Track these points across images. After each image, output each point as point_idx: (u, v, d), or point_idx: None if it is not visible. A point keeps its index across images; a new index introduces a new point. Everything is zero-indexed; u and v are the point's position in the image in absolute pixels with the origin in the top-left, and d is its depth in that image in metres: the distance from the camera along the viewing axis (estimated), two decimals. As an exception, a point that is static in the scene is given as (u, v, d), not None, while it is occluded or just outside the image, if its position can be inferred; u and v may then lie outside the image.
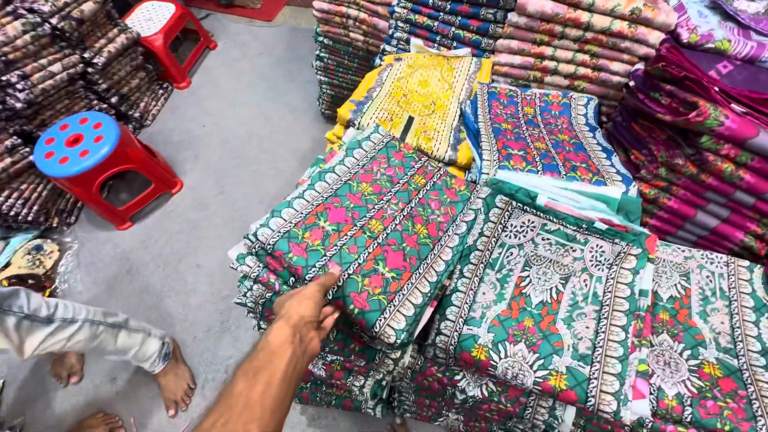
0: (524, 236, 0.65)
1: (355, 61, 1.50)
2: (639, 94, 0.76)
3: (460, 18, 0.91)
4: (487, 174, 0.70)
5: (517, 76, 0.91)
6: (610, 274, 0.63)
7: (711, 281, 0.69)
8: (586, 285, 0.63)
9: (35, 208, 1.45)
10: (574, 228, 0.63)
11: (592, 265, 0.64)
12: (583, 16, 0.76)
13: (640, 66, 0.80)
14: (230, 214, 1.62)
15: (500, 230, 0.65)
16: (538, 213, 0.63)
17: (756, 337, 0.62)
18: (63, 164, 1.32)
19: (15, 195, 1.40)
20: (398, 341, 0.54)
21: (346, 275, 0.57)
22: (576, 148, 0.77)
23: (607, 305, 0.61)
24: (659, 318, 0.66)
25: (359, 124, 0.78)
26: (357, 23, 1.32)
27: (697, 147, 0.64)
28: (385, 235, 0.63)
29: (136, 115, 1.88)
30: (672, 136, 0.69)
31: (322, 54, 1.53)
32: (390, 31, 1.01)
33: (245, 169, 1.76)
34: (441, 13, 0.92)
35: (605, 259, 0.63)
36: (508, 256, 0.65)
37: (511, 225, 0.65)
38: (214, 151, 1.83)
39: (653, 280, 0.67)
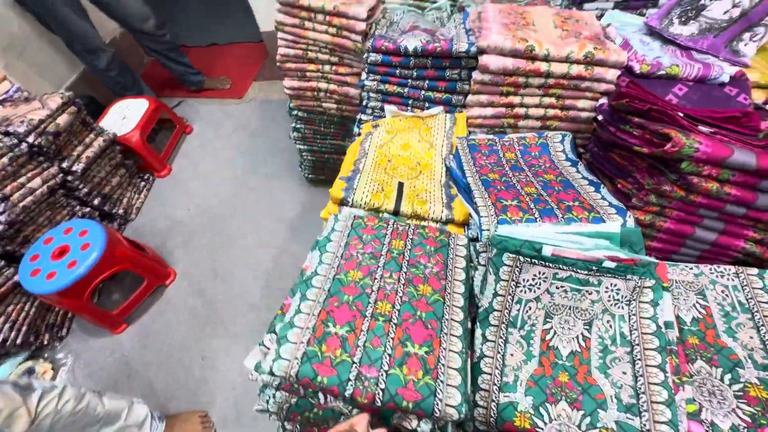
0: (538, 288, 0.65)
1: (331, 127, 1.55)
2: (610, 127, 0.80)
3: (427, 81, 0.96)
4: (488, 230, 0.70)
5: (492, 125, 0.95)
6: (631, 311, 0.63)
7: (727, 296, 0.69)
8: (610, 326, 0.63)
9: (24, 329, 1.38)
10: (585, 272, 0.63)
11: (611, 305, 0.63)
12: (542, 67, 0.82)
13: (604, 100, 0.85)
14: (228, 298, 1.58)
15: (514, 286, 0.65)
16: (547, 263, 0.64)
17: (789, 348, 0.62)
18: (51, 279, 1.28)
19: (1, 320, 1.34)
20: (462, 415, 0.52)
21: (383, 373, 0.55)
22: (564, 185, 0.80)
23: (638, 344, 0.60)
24: (689, 343, 0.66)
25: (353, 201, 0.79)
26: (328, 94, 1.38)
27: (680, 172, 0.66)
28: (396, 312, 0.62)
29: (120, 212, 1.87)
30: (652, 163, 0.72)
31: (298, 126, 1.58)
32: (364, 102, 1.05)
33: (236, 247, 1.74)
34: (409, 80, 0.97)
35: (623, 297, 0.63)
36: (527, 311, 0.64)
37: (524, 279, 0.65)
38: (203, 233, 1.82)
39: (672, 304, 0.67)
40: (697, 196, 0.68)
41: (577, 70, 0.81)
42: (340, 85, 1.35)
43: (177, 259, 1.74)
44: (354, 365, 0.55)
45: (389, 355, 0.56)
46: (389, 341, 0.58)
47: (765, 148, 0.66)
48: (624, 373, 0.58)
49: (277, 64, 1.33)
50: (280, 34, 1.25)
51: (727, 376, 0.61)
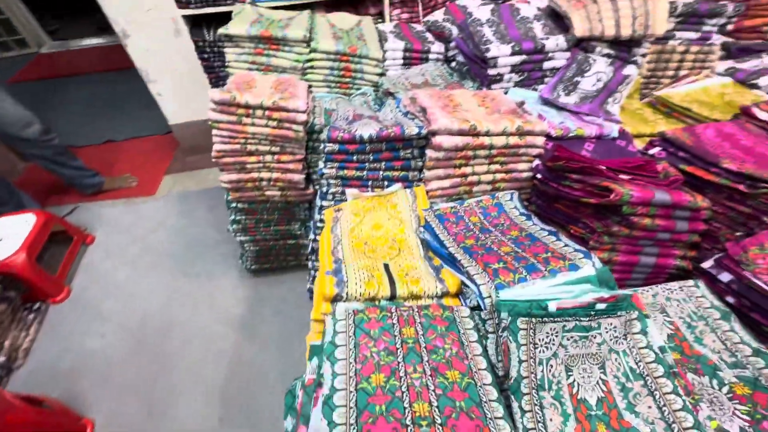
0: (553, 344, 0.68)
1: (275, 213, 1.50)
2: (551, 184, 0.93)
3: (384, 163, 1.02)
4: (489, 296, 0.73)
5: (451, 194, 1.03)
6: (629, 344, 0.69)
7: (683, 309, 0.81)
8: (619, 364, 0.68)
9: None
10: (586, 318, 0.69)
11: (613, 343, 0.69)
12: (486, 141, 0.94)
13: (538, 162, 1.00)
14: (178, 437, 1.29)
15: (533, 349, 0.67)
16: (555, 319, 0.68)
17: (742, 342, 0.74)
18: None
19: None
20: None
21: None
22: (531, 239, 0.88)
23: (647, 375, 0.66)
24: (675, 360, 0.74)
25: (347, 295, 0.75)
26: (271, 183, 1.35)
27: (621, 214, 0.80)
28: (437, 410, 0.58)
29: (1, 359, 1.45)
30: (597, 209, 0.85)
31: (238, 217, 1.48)
32: (323, 189, 1.05)
33: (176, 370, 1.47)
34: (366, 164, 1.01)
35: (620, 333, 0.70)
36: (549, 370, 0.66)
37: (540, 339, 0.67)
38: (128, 362, 1.50)
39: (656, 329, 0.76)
40: (638, 231, 0.82)
41: (513, 140, 0.95)
42: (283, 173, 1.33)
43: (93, 405, 1.38)
44: None
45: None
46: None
47: (670, 186, 0.84)
48: (649, 407, 0.62)
49: (213, 159, 1.27)
50: (214, 131, 1.21)
51: (714, 381, 0.70)
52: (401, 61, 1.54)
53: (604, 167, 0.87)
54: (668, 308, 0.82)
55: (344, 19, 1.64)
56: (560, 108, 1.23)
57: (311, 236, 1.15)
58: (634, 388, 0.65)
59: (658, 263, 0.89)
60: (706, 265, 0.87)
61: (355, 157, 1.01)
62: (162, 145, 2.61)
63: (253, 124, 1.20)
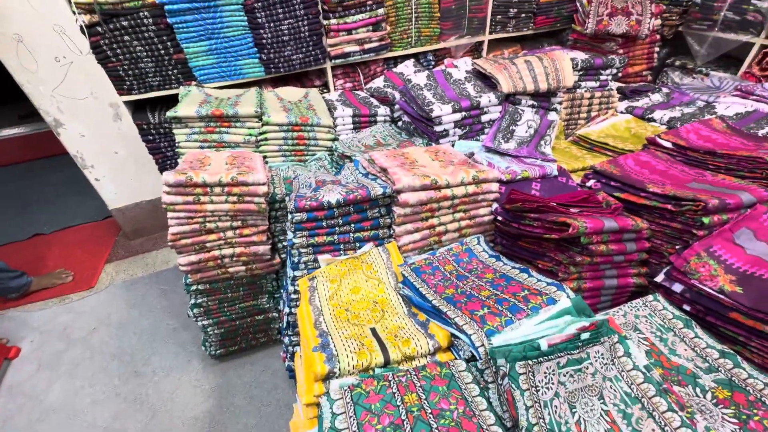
0: (552, 384, 0.68)
1: (240, 290, 1.41)
2: (513, 224, 1.00)
3: (353, 225, 1.03)
4: (482, 345, 0.73)
5: (422, 246, 1.05)
6: (618, 368, 0.72)
7: (650, 324, 0.88)
8: (614, 391, 0.70)
9: None
10: (576, 350, 0.71)
11: (605, 370, 0.72)
12: (447, 192, 1.00)
13: (496, 205, 1.07)
14: None
15: (536, 392, 0.67)
16: (549, 357, 0.69)
17: (708, 347, 0.81)
18: None
19: None
20: None
21: None
22: (506, 279, 0.92)
23: (642, 397, 0.68)
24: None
25: (340, 370, 0.71)
26: (234, 259, 1.29)
27: (581, 245, 0.87)
28: None
29: None
30: (558, 243, 0.92)
31: (199, 300, 1.38)
32: (294, 259, 1.03)
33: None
34: (336, 228, 1.02)
35: (607, 358, 0.73)
36: (555, 411, 0.66)
37: (539, 381, 0.68)
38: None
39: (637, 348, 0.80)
40: (597, 257, 0.90)
41: (471, 189, 1.02)
42: (246, 246, 1.29)
43: None
44: None
45: None
46: None
47: (613, 213, 0.95)
48: (653, 430, 0.64)
49: (169, 243, 1.20)
50: (170, 214, 1.16)
51: (697, 389, 0.74)
52: (351, 126, 1.63)
53: (555, 204, 0.95)
54: (639, 325, 0.88)
55: (291, 92, 1.72)
56: (502, 154, 1.36)
57: (285, 309, 1.09)
58: (634, 413, 0.67)
59: (620, 283, 0.96)
60: (659, 278, 0.96)
61: (324, 223, 1.01)
62: (100, 233, 2.41)
63: (211, 202, 1.17)
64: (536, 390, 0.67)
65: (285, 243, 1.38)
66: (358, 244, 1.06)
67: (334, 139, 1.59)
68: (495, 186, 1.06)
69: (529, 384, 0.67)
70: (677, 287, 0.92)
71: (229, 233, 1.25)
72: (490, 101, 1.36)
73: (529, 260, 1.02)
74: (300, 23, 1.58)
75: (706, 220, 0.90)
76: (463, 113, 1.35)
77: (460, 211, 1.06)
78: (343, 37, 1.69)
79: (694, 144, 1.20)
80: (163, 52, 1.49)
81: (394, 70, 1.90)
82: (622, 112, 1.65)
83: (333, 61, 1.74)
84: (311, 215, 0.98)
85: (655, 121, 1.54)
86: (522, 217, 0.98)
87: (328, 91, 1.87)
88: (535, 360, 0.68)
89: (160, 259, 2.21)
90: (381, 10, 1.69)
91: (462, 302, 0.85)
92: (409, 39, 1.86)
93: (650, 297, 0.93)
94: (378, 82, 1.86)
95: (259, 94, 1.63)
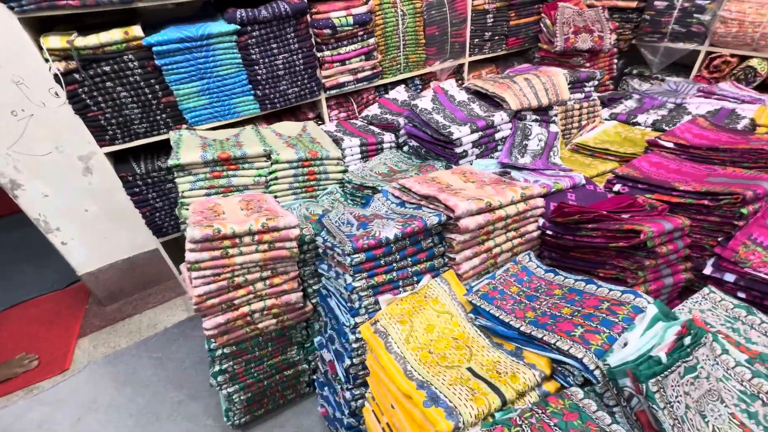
0: (680, 396, 0.67)
1: (269, 346, 1.28)
2: (566, 237, 1.01)
3: (410, 258, 0.98)
4: (596, 367, 0.71)
5: (480, 271, 1.02)
6: (723, 367, 0.73)
7: (717, 316, 0.90)
8: (728, 391, 0.70)
9: None
10: (689, 358, 0.71)
11: (714, 371, 0.72)
12: (501, 213, 0.99)
13: (542, 220, 1.08)
14: None
15: (671, 408, 0.65)
16: (670, 368, 0.68)
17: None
18: None
19: None
20: None
21: None
22: (577, 294, 0.91)
23: (759, 393, 0.69)
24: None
25: (464, 423, 0.65)
26: (265, 312, 1.17)
27: (646, 249, 0.89)
28: None
29: None
30: (620, 250, 0.93)
31: (224, 367, 1.22)
32: (354, 305, 0.94)
33: None
34: (394, 264, 0.96)
35: (711, 359, 0.73)
36: (692, 424, 0.65)
37: (671, 396, 0.66)
38: None
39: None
40: (660, 259, 0.92)
41: (522, 206, 1.02)
42: (278, 297, 1.17)
43: None
44: None
45: None
46: None
47: (661, 215, 0.99)
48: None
49: (195, 307, 1.05)
50: (195, 274, 1.02)
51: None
52: (359, 155, 1.59)
53: (605, 212, 0.98)
54: (707, 319, 0.90)
55: (288, 127, 1.65)
56: (519, 168, 1.39)
57: (346, 361, 0.99)
58: (758, 410, 0.67)
59: (675, 281, 1.00)
60: (707, 271, 1.01)
61: (382, 261, 0.95)
62: (66, 303, 2.09)
63: (241, 254, 1.05)
64: (671, 406, 0.65)
65: (315, 287, 1.28)
66: (416, 278, 1.00)
67: (344, 171, 1.54)
68: (540, 201, 1.07)
69: (664, 401, 0.65)
70: (729, 277, 0.97)
71: (259, 285, 1.13)
72: (502, 119, 1.40)
73: (586, 270, 1.02)
74: (295, 57, 1.54)
75: (744, 210, 0.96)
76: (480, 133, 1.37)
77: (512, 230, 1.05)
78: (337, 68, 1.67)
79: (693, 142, 1.31)
80: (150, 96, 1.36)
81: (387, 96, 1.90)
82: (606, 119, 1.78)
83: (328, 92, 1.71)
84: (370, 254, 0.92)
85: (640, 124, 1.67)
86: (577, 228, 0.99)
87: (323, 122, 1.82)
88: (663, 375, 0.67)
89: (146, 323, 1.96)
90: (372, 40, 1.70)
91: (550, 324, 0.82)
92: (398, 66, 1.89)
93: (706, 290, 0.97)
94: (373, 110, 1.85)
95: (257, 132, 1.54)
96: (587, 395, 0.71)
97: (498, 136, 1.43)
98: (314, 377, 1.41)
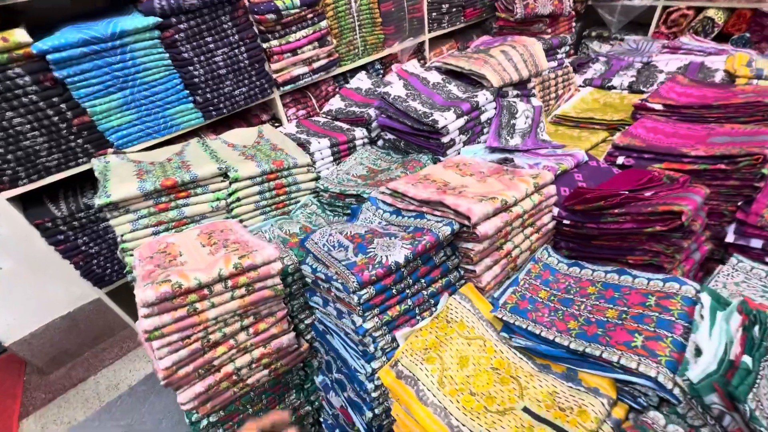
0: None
1: (263, 397, 1.09)
2: (589, 225, 0.90)
3: (424, 279, 0.82)
4: (675, 385, 0.60)
5: (501, 279, 0.89)
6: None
7: (754, 288, 0.84)
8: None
9: None
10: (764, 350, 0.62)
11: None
12: (519, 210, 0.86)
13: (557, 209, 0.96)
14: None
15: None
16: (758, 374, 0.59)
17: None
18: None
19: None
20: None
21: None
22: (614, 289, 0.81)
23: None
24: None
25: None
26: (254, 366, 0.97)
27: (682, 230, 0.80)
28: None
29: None
30: (652, 234, 0.83)
31: (211, 435, 1.01)
32: (369, 348, 0.78)
33: None
34: (407, 290, 0.80)
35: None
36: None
37: (765, 405, 0.57)
38: None
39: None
40: (692, 236, 0.84)
41: (537, 198, 0.90)
42: (266, 345, 0.98)
43: None
44: None
45: None
46: None
47: (683, 187, 0.90)
48: None
49: (163, 382, 0.83)
50: (156, 343, 0.80)
51: None
52: (331, 158, 1.40)
53: (626, 191, 0.88)
54: (745, 292, 0.84)
55: (241, 135, 1.41)
56: (511, 151, 1.26)
57: (367, 413, 0.83)
58: None
59: (701, 254, 0.93)
60: (730, 239, 0.95)
61: (394, 290, 0.78)
62: (-4, 379, 1.73)
63: (213, 306, 0.84)
64: (771, 419, 0.56)
65: (308, 321, 1.09)
66: (432, 301, 0.85)
67: (316, 179, 1.34)
68: (553, 189, 0.95)
69: (762, 416, 0.56)
70: (756, 243, 0.91)
71: (242, 336, 0.93)
72: (486, 99, 1.26)
73: (612, 258, 0.92)
74: (236, 51, 1.29)
75: (765, 171, 0.90)
76: (466, 117, 1.22)
77: (528, 225, 0.92)
78: (288, 59, 1.44)
79: (681, 101, 1.25)
80: (56, 118, 1.06)
81: (349, 86, 1.69)
82: (581, 86, 1.71)
83: (282, 88, 1.48)
84: (379, 286, 0.75)
85: (615, 88, 1.61)
86: (600, 215, 0.88)
87: (280, 124, 1.59)
88: (754, 383, 0.57)
89: (104, 385, 1.67)
90: (324, 23, 1.48)
91: (601, 334, 0.71)
92: (356, 50, 1.68)
93: (734, 260, 0.91)
94: (335, 103, 1.64)
95: (205, 146, 1.29)
96: (668, 419, 0.60)
97: (483, 117, 1.29)
98: (321, 419, 1.23)
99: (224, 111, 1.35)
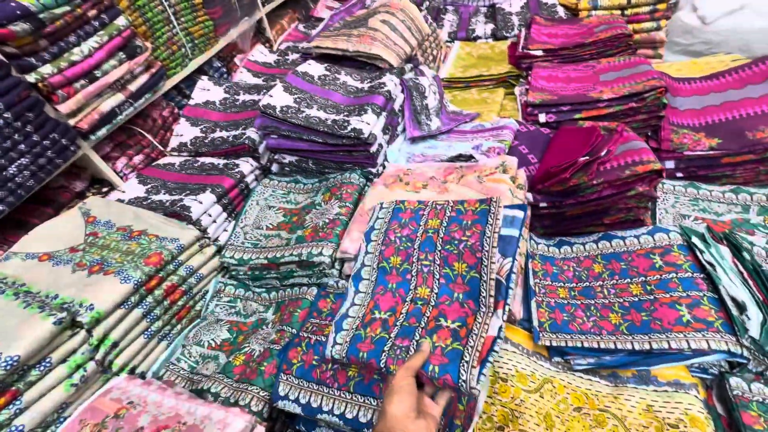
0: None
1: None
2: (567, 202, 0.85)
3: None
4: (742, 347, 0.61)
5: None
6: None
7: (688, 206, 0.96)
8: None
9: None
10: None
11: None
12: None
13: (529, 194, 0.88)
14: None
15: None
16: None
17: (727, 192, 0.95)
18: None
19: None
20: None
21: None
22: (616, 258, 0.80)
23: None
24: None
25: None
26: None
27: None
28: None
29: None
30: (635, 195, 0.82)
31: None
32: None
33: None
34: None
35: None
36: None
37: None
38: None
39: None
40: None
41: (521, 193, 0.79)
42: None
43: None
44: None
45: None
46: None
47: (622, 134, 0.92)
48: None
49: None
50: None
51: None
52: (224, 216, 0.99)
53: (587, 157, 0.85)
54: (682, 211, 0.95)
55: (55, 232, 0.85)
56: (433, 137, 1.12)
57: None
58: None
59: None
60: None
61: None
62: None
63: None
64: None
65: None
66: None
67: (218, 252, 0.94)
68: (523, 173, 0.86)
69: None
70: (669, 164, 1.02)
71: None
72: (395, 84, 1.05)
73: (587, 225, 0.91)
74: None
75: (665, 100, 0.99)
76: (384, 113, 1.00)
77: (521, 226, 0.82)
78: (85, 90, 0.89)
79: (555, 43, 1.30)
80: None
81: (193, 102, 1.21)
82: (448, 42, 1.64)
83: (91, 136, 0.95)
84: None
85: (481, 38, 1.60)
86: (578, 189, 0.84)
87: (111, 187, 1.05)
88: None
89: None
90: (121, 20, 0.95)
91: (648, 319, 0.68)
92: (182, 49, 1.19)
93: (660, 185, 1.02)
94: (185, 131, 1.16)
95: (10, 284, 0.73)
96: (744, 378, 0.62)
97: (396, 107, 1.09)
98: None
99: (14, 202, 0.78)
